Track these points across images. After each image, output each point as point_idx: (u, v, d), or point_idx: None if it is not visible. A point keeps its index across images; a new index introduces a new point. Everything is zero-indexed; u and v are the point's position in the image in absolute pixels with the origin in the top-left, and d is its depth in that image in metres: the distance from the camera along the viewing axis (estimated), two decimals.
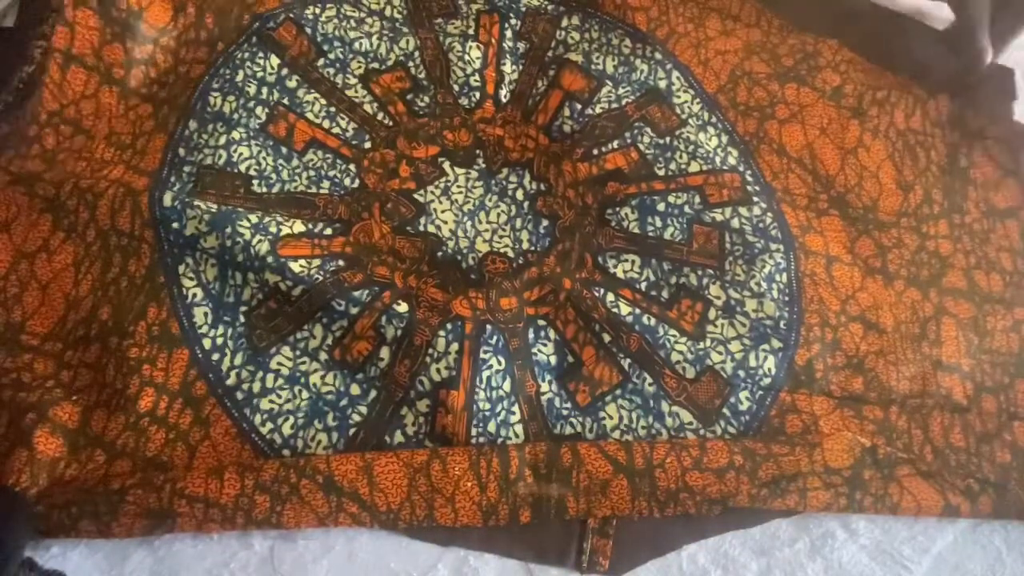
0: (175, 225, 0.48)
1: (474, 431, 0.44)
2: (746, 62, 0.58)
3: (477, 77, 0.57)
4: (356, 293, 0.47)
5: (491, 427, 0.44)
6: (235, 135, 0.52)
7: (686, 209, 0.52)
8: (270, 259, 0.47)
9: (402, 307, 0.47)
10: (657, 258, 0.50)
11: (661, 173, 0.54)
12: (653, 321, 0.48)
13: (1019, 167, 0.54)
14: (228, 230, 0.48)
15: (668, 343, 0.47)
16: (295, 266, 0.48)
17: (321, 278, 0.48)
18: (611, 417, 0.46)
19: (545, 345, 0.47)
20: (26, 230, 0.47)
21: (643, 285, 0.49)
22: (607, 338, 0.47)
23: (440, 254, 0.50)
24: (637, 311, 0.48)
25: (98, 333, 0.45)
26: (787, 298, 0.49)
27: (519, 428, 0.45)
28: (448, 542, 0.43)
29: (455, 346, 0.46)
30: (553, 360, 0.47)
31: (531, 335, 0.47)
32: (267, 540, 0.42)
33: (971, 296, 0.50)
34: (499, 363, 0.46)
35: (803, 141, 0.55)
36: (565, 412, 0.46)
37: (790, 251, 0.51)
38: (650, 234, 0.51)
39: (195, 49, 0.55)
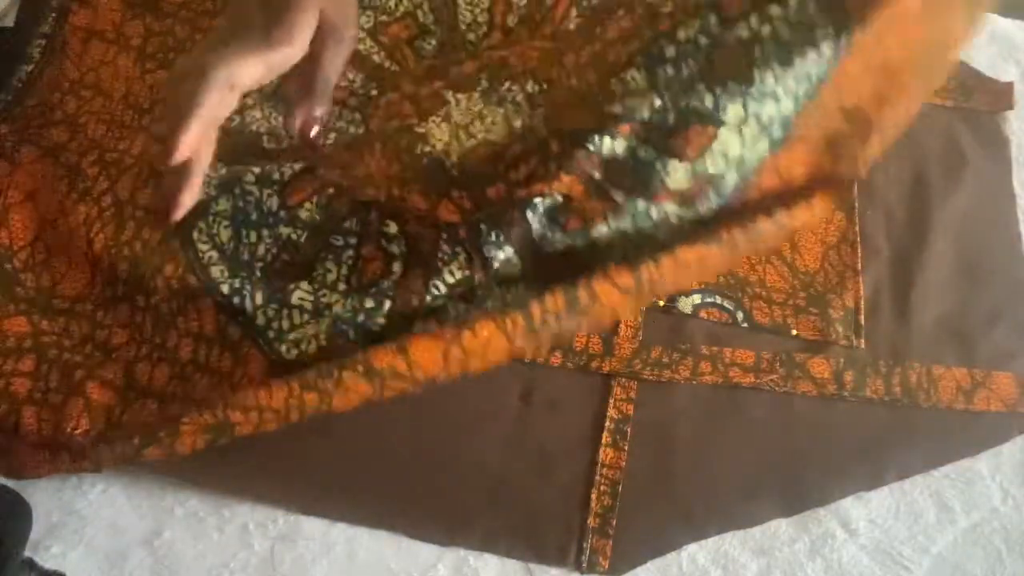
0: None
1: None
2: None
3: (485, 15, 0.57)
4: (346, 224, 0.47)
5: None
6: (248, 100, 0.53)
7: (701, 40, 0.45)
8: (282, 212, 0.48)
9: (391, 227, 0.47)
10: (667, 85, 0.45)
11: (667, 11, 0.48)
12: (651, 154, 0.44)
13: None
14: (237, 190, 0.49)
15: (665, 170, 0.43)
16: (303, 213, 0.48)
17: (319, 218, 0.48)
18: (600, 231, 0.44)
19: (544, 212, 0.45)
20: (48, 197, 0.49)
21: (645, 111, 0.44)
22: (598, 176, 0.45)
23: (426, 161, 0.50)
24: (634, 143, 0.44)
25: (124, 293, 0.46)
26: (809, 97, 0.43)
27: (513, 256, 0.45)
28: (448, 542, 0.43)
29: (460, 249, 0.45)
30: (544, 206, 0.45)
31: (529, 215, 0.45)
32: (267, 540, 0.42)
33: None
34: (506, 252, 0.45)
35: None
36: (557, 236, 0.45)
37: (841, 35, 0.41)
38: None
39: (211, 19, 0.56)
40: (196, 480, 0.43)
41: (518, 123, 0.51)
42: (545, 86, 0.52)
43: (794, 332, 0.49)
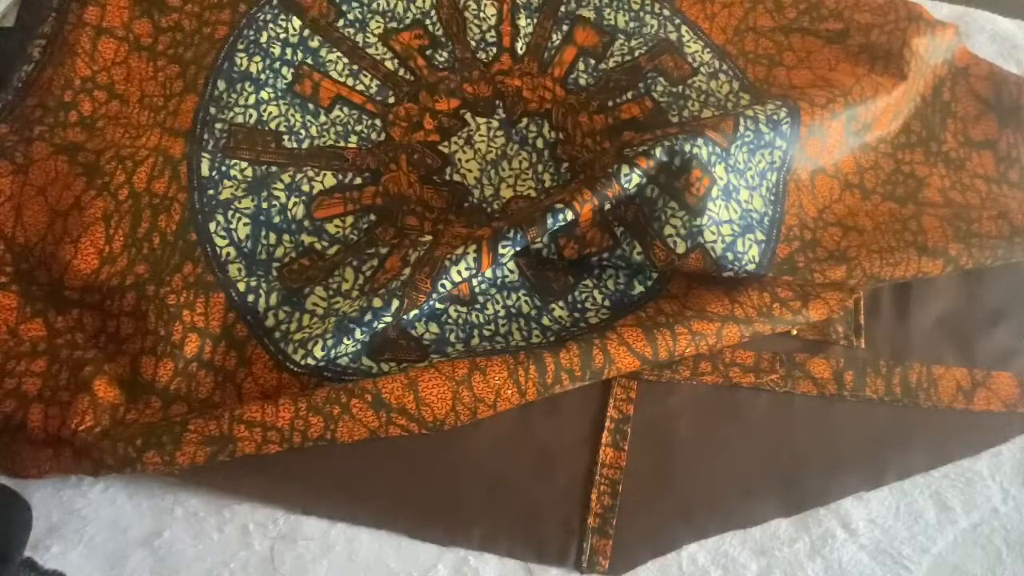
0: (211, 192, 0.50)
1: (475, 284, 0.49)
2: (751, 15, 0.61)
3: (493, 33, 0.59)
4: (383, 238, 0.50)
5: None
6: (264, 95, 0.54)
7: (704, 113, 0.55)
8: (307, 223, 0.50)
9: (426, 238, 0.49)
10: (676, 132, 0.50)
11: (675, 120, 0.56)
12: (656, 193, 0.48)
13: (1000, 102, 0.58)
14: (264, 193, 0.50)
15: (664, 216, 0.47)
16: (331, 227, 0.51)
17: (356, 237, 0.50)
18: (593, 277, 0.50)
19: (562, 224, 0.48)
20: (60, 191, 0.49)
21: (657, 151, 0.48)
22: (608, 207, 0.48)
23: (467, 204, 0.53)
24: (644, 180, 0.48)
25: (133, 283, 0.47)
26: (773, 197, 0.51)
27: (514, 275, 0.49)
28: (448, 542, 0.43)
29: (473, 247, 0.47)
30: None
31: (549, 221, 0.47)
32: (267, 540, 0.42)
33: (948, 206, 0.53)
34: (516, 247, 0.47)
35: (811, 78, 0.57)
36: (552, 259, 0.50)
37: (790, 150, 0.52)
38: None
39: (219, 12, 0.57)
40: (196, 480, 0.43)
41: (546, 178, 0.54)
42: (562, 136, 0.55)
43: (794, 332, 0.49)
